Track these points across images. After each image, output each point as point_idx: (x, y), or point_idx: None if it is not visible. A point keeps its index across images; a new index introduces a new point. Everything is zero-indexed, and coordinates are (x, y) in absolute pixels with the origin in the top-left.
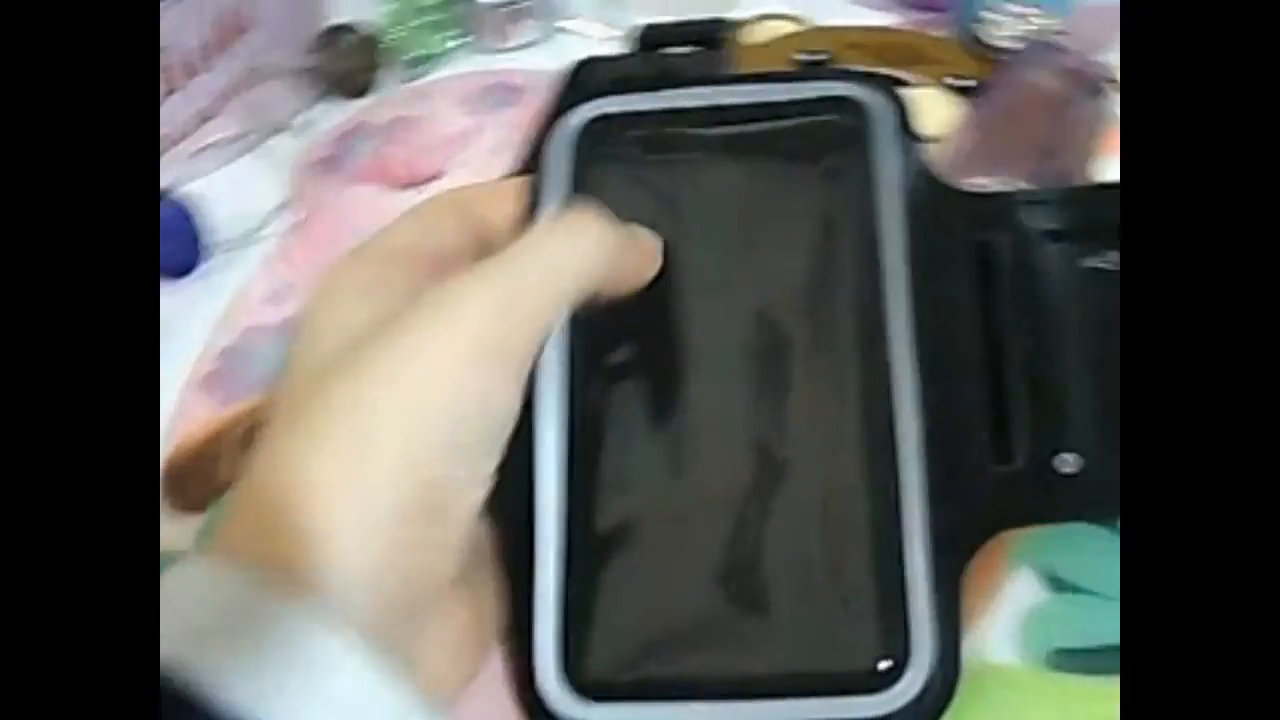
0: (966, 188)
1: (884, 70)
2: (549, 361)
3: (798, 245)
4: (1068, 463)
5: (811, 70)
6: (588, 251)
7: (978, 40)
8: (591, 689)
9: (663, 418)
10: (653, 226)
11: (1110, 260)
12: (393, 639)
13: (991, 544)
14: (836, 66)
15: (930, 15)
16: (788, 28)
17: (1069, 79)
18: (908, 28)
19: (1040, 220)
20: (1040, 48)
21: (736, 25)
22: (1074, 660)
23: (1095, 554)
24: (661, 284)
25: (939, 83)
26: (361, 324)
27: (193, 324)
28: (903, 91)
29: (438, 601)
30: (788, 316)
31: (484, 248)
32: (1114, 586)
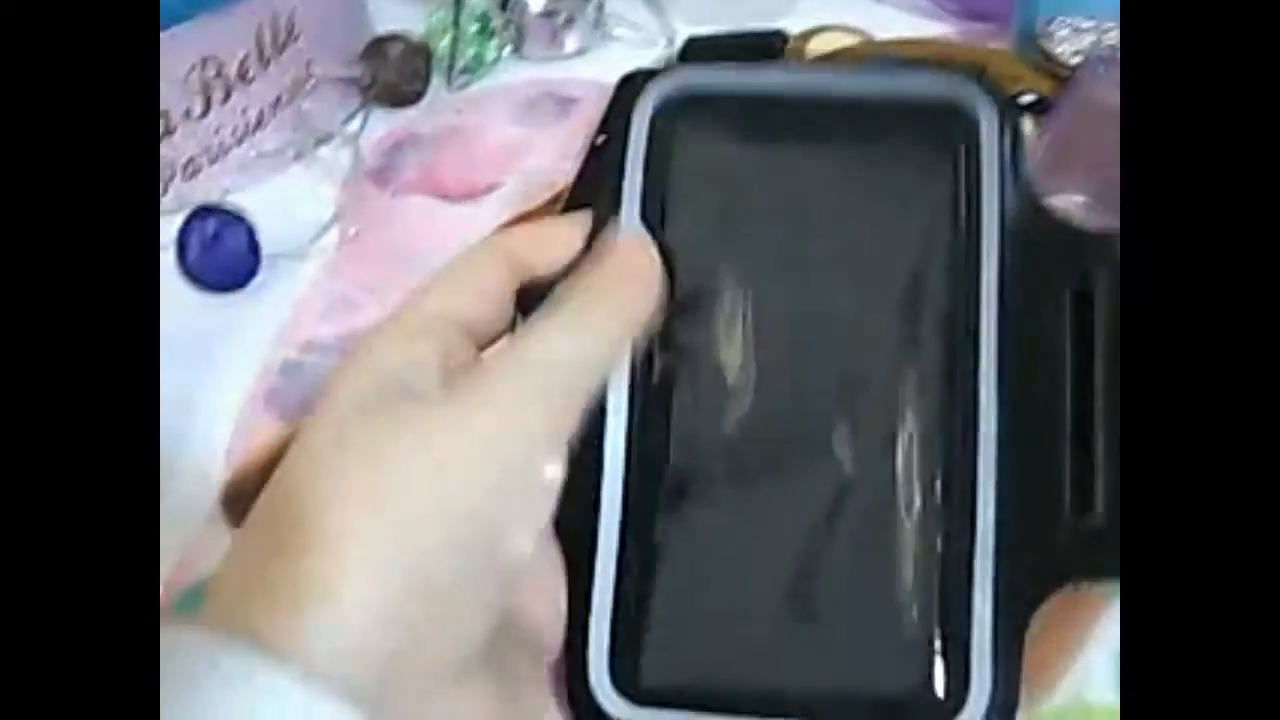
0: (1070, 219)
1: None
2: (617, 381)
3: (890, 259)
4: None
5: (918, 65)
6: (624, 309)
7: (1044, 54)
8: (642, 694)
9: (730, 427)
10: (734, 225)
11: None
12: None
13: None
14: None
15: (988, 26)
16: (845, 40)
17: None
18: (968, 41)
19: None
20: (1107, 62)
21: (793, 37)
22: None
23: None
24: (742, 289)
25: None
26: (393, 398)
27: (248, 337)
28: (1009, 95)
29: (451, 683)
30: (872, 334)
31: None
32: None
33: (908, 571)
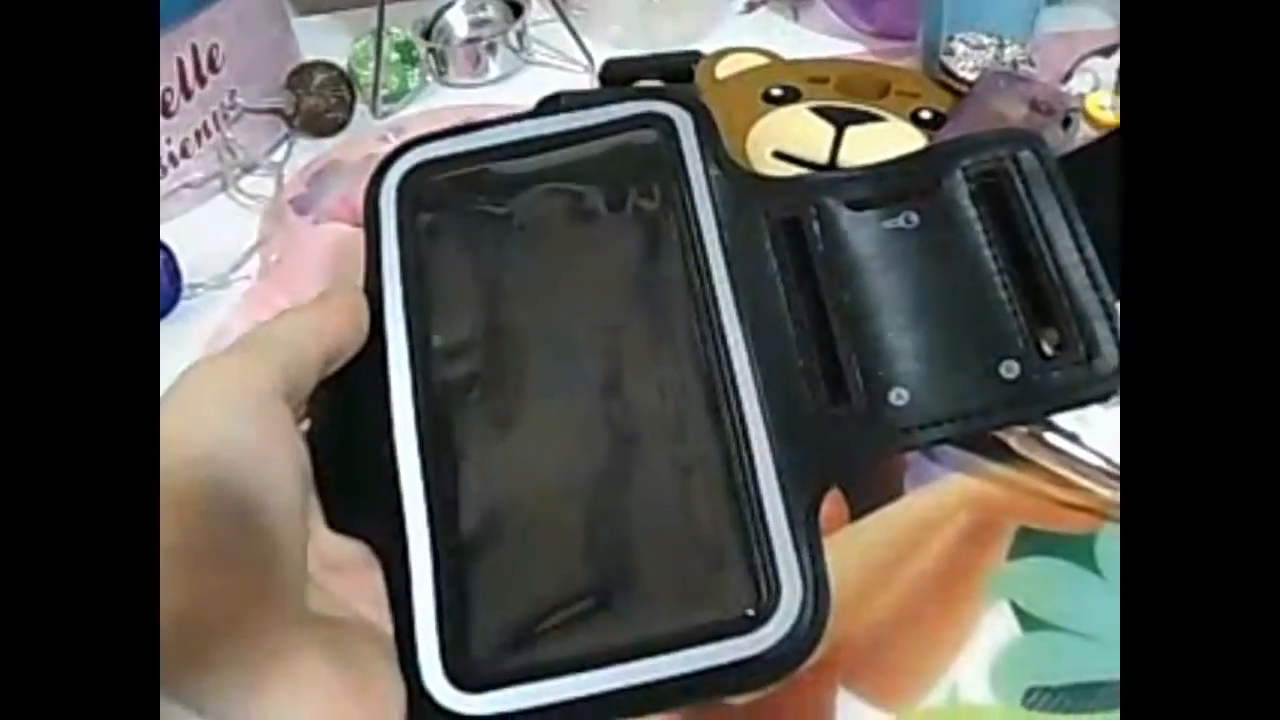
0: (768, 176)
1: (852, 104)
2: (399, 386)
3: (622, 252)
4: (900, 397)
5: (610, 93)
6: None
7: (945, 70)
8: (476, 681)
9: (512, 419)
10: (482, 257)
11: (906, 220)
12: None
13: (963, 584)
14: (638, 86)
15: (897, 44)
16: (756, 60)
17: (1034, 107)
18: (875, 59)
19: (840, 194)
20: (1005, 77)
21: (705, 58)
22: (1048, 699)
23: (1067, 590)
24: (498, 302)
25: (907, 114)
26: None
27: (168, 366)
28: (697, 98)
29: (274, 658)
30: (621, 313)
31: None
32: (1086, 623)
33: (702, 498)
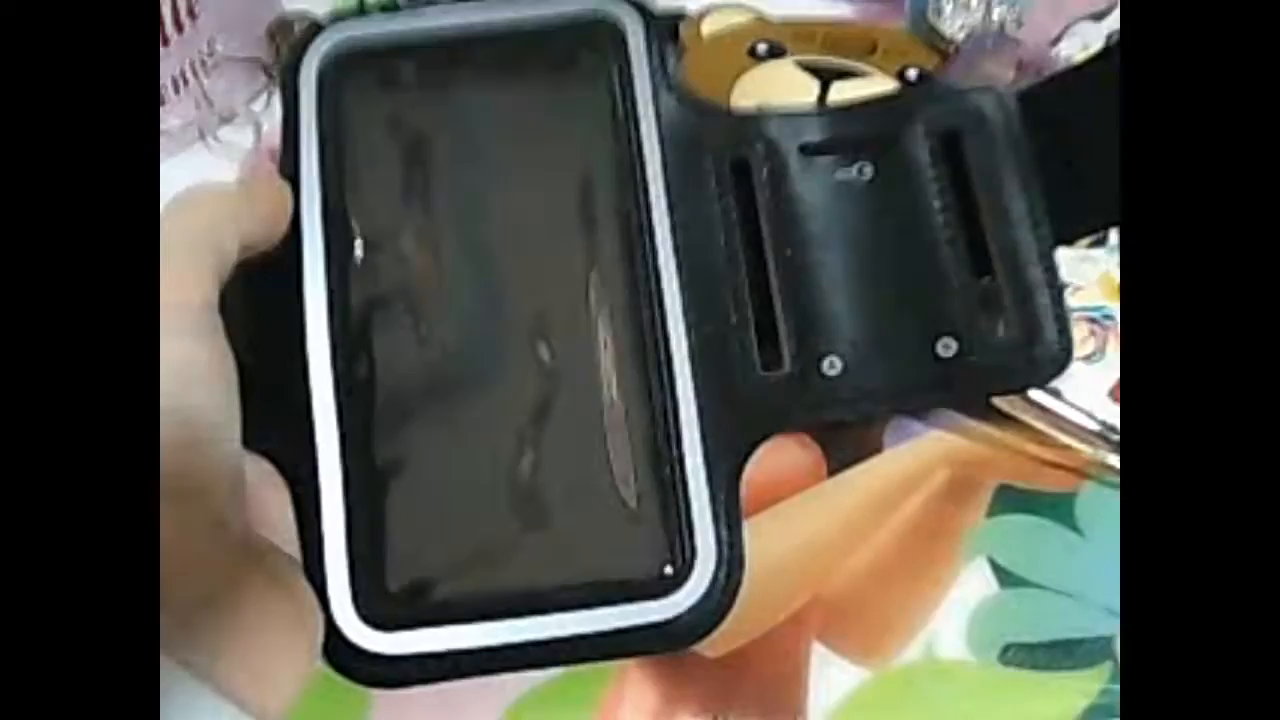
0: (720, 105)
1: (839, 61)
2: (313, 298)
3: (557, 169)
4: (833, 366)
5: None
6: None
7: (933, 30)
8: (386, 619)
9: (431, 347)
10: (410, 159)
11: (860, 173)
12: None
13: (942, 540)
14: None
15: (884, 6)
16: (741, 18)
17: (1022, 68)
18: (861, 18)
19: (795, 134)
20: (993, 37)
21: (690, 16)
22: (1025, 655)
23: (1046, 548)
24: (418, 215)
25: (894, 72)
26: None
27: None
28: (653, 9)
29: (240, 585)
30: (550, 240)
31: None
32: (1064, 580)
33: (622, 451)
